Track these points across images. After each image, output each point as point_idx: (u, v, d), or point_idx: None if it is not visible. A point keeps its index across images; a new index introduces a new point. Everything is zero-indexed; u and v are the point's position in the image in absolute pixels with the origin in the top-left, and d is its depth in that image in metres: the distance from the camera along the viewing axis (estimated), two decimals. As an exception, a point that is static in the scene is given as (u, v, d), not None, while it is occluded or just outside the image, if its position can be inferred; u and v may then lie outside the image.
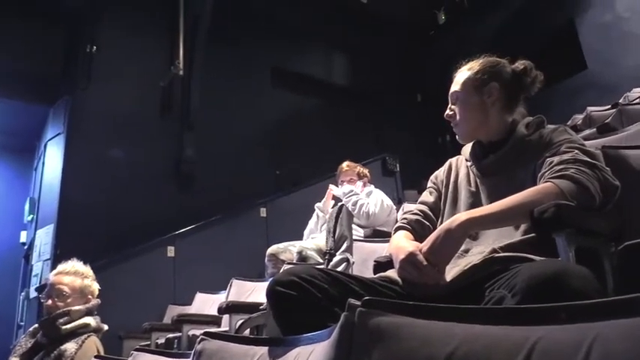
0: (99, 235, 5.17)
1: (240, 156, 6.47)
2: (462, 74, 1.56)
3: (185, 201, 5.85)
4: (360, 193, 3.61)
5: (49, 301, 2.27)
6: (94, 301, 2.34)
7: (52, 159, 5.72)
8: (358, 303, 0.83)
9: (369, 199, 3.57)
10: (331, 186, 3.80)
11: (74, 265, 2.40)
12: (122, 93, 5.94)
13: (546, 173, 1.33)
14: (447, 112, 1.57)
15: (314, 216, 3.84)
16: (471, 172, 1.55)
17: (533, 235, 1.27)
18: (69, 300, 2.27)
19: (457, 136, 1.57)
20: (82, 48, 5.89)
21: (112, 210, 5.42)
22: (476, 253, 1.32)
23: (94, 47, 5.90)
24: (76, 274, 2.35)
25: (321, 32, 7.85)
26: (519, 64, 1.57)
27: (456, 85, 1.56)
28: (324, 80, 8.01)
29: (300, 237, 3.87)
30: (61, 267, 2.38)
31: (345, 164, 3.94)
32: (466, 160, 1.60)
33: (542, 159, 1.38)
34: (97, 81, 5.85)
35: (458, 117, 1.54)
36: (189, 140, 6.25)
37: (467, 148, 1.63)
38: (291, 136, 7.04)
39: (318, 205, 3.83)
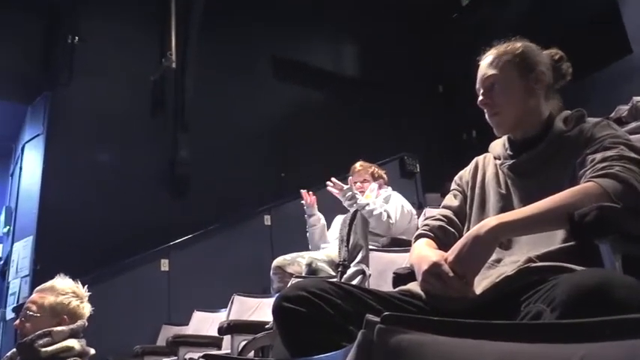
0: (84, 247, 5.20)
1: (241, 157, 6.50)
2: (498, 57, 1.55)
3: (180, 208, 5.88)
4: (374, 202, 3.57)
5: (17, 321, 2.30)
6: (80, 322, 2.35)
7: (31, 163, 5.77)
8: (377, 319, 0.83)
9: (388, 205, 3.56)
10: (330, 184, 3.66)
11: (55, 281, 2.41)
12: (108, 89, 5.98)
13: (587, 172, 1.32)
14: (481, 98, 1.55)
15: (308, 234, 3.85)
16: (500, 171, 1.55)
17: (573, 242, 1.26)
18: (37, 320, 2.27)
19: (495, 128, 1.55)
20: (63, 39, 5.94)
21: (98, 220, 5.46)
22: (509, 263, 1.31)
23: (76, 38, 5.96)
24: (50, 291, 2.35)
25: (328, 16, 7.87)
26: (554, 52, 1.57)
27: (491, 68, 1.54)
28: (333, 71, 8.03)
29: (308, 247, 3.87)
30: (45, 283, 2.40)
31: (358, 164, 3.93)
32: (495, 159, 1.60)
33: (583, 157, 1.38)
34: (79, 76, 5.90)
35: (498, 104, 1.52)
36: (183, 140, 6.28)
37: (496, 145, 1.62)
38: (297, 134, 7.06)
39: (305, 216, 3.83)
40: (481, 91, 1.56)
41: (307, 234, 3.87)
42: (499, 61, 1.54)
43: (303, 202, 3.85)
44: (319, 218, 3.85)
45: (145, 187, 5.88)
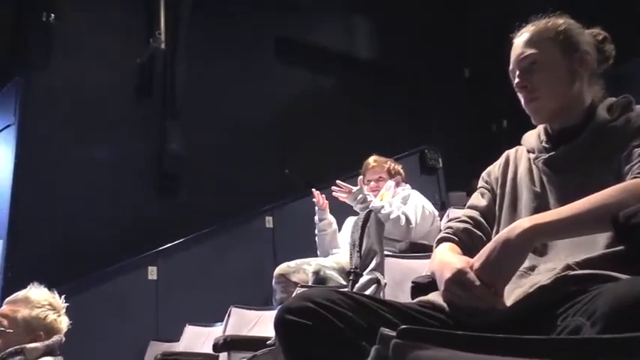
0: (61, 253, 5.23)
1: (239, 151, 6.51)
2: (538, 34, 1.54)
3: (170, 209, 5.90)
4: (390, 203, 3.56)
5: None
6: (56, 338, 2.36)
7: (0, 158, 5.80)
8: (393, 333, 0.83)
9: (406, 207, 3.55)
10: (336, 188, 3.65)
11: (28, 291, 2.42)
12: (88, 73, 6.01)
13: (635, 167, 1.33)
14: (517, 81, 1.54)
15: (316, 238, 3.85)
16: (534, 167, 1.55)
17: (618, 247, 1.26)
18: (9, 336, 2.28)
19: (533, 115, 1.55)
20: (37, 17, 5.96)
21: (77, 221, 5.49)
22: (544, 271, 1.31)
23: (52, 16, 5.98)
24: (24, 303, 2.36)
25: (340, -8, 7.89)
26: (596, 32, 1.57)
27: (530, 47, 1.53)
28: (344, 53, 8.03)
29: (316, 252, 3.88)
30: (18, 294, 2.41)
31: (371, 159, 3.93)
32: (528, 152, 1.60)
33: (630, 150, 1.37)
34: (55, 59, 5.92)
35: (538, 87, 1.51)
36: (173, 131, 6.30)
37: (530, 136, 1.62)
38: (304, 124, 7.06)
39: (315, 219, 3.83)
40: (517, 72, 1.55)
41: (316, 239, 3.87)
42: (539, 39, 1.53)
43: (315, 201, 3.84)
44: (330, 223, 3.84)
45: (131, 184, 5.90)
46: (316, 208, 3.86)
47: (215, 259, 5.35)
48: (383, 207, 3.44)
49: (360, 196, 3.51)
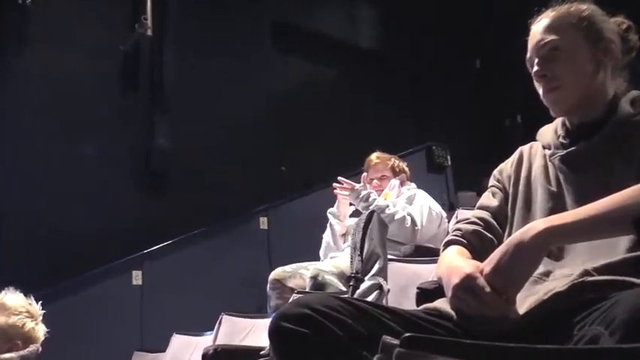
0: (39, 256, 5.23)
1: (232, 147, 6.52)
2: (559, 19, 1.54)
3: (157, 209, 5.90)
4: (394, 203, 3.56)
5: None
6: (32, 347, 2.37)
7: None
8: (396, 341, 0.84)
9: (412, 207, 3.56)
10: (338, 185, 3.63)
11: (4, 297, 2.43)
12: (68, 61, 6.00)
13: (659, 166, 1.33)
14: (536, 69, 1.53)
15: (328, 227, 3.84)
16: (550, 164, 1.55)
17: (640, 251, 1.26)
18: None
19: (552, 106, 1.54)
20: (11, 0, 5.95)
21: (57, 223, 5.48)
22: (560, 276, 1.32)
23: (29, -1, 5.97)
24: (0, 310, 2.37)
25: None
26: (620, 20, 1.58)
27: (550, 33, 1.53)
28: (346, 41, 8.03)
29: (314, 256, 3.88)
30: None
31: (374, 156, 3.93)
32: (544, 148, 1.60)
33: (654, 147, 1.38)
34: (33, 45, 5.92)
35: (559, 76, 1.50)
36: (161, 125, 6.30)
37: (546, 131, 1.62)
38: (302, 118, 7.07)
39: (331, 210, 3.83)
40: (535, 60, 1.54)
41: (325, 235, 3.83)
42: (560, 25, 1.53)
43: (342, 194, 3.74)
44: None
45: (115, 182, 5.90)
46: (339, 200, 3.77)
47: (205, 262, 5.36)
48: (387, 206, 3.44)
49: (364, 193, 3.51)
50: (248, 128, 6.74)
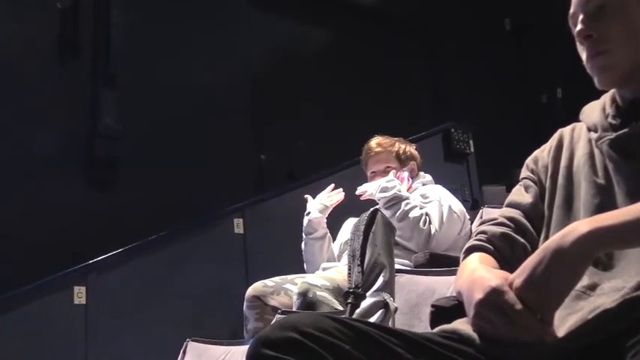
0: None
1: (198, 130, 6.50)
2: None
3: (103, 207, 5.88)
4: (407, 195, 3.59)
5: None
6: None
7: None
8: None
9: (429, 206, 3.57)
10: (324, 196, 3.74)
11: None
12: (-9, 22, 5.98)
13: None
14: (580, 28, 1.54)
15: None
16: (597, 151, 1.56)
17: None
18: None
19: (598, 75, 1.54)
20: None
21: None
22: (609, 290, 1.33)
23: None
24: None
25: None
26: None
27: None
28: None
29: (302, 267, 3.91)
30: None
31: (374, 142, 3.93)
32: (589, 131, 1.61)
33: None
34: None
35: (608, 37, 1.51)
36: (108, 101, 6.27)
37: (592, 110, 1.63)
38: (286, 94, 7.07)
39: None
40: (580, 17, 1.55)
41: (303, 247, 3.88)
42: None
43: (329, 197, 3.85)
44: (324, 226, 3.87)
45: (49, 172, 5.87)
46: (310, 202, 3.87)
47: (165, 276, 5.34)
48: (407, 199, 3.48)
49: (393, 183, 3.56)
50: (218, 106, 6.70)
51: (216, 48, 6.90)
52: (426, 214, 3.49)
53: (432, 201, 3.61)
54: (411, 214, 3.44)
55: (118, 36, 6.41)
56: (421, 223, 3.44)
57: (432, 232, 3.45)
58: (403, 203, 3.45)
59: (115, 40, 6.40)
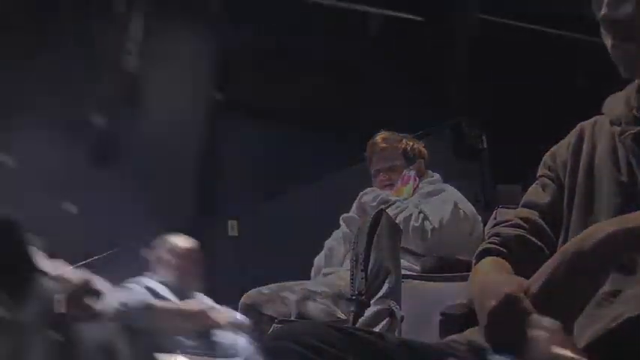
0: None
1: (184, 122, 6.48)
2: None
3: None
4: (406, 200, 3.61)
5: None
6: None
7: None
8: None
9: (426, 205, 3.59)
10: None
11: None
12: None
13: None
14: (605, 12, 1.50)
15: (336, 236, 3.87)
16: (621, 146, 1.56)
17: None
18: None
19: (624, 64, 1.52)
20: None
21: None
22: (632, 297, 1.33)
23: None
24: None
25: None
26: None
27: None
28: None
29: (304, 273, 3.90)
30: None
31: (379, 138, 3.95)
32: (612, 124, 1.61)
33: None
34: None
35: (637, 23, 1.48)
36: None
37: (615, 102, 1.62)
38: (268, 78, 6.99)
39: (345, 216, 3.85)
40: (605, 0, 1.56)
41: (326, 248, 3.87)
42: None
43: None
44: None
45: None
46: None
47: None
48: (394, 203, 3.51)
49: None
50: (205, 94, 6.69)
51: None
52: (420, 212, 3.50)
53: (433, 198, 3.63)
54: (411, 222, 3.46)
55: None
56: (412, 220, 3.46)
57: (429, 228, 3.47)
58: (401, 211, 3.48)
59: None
